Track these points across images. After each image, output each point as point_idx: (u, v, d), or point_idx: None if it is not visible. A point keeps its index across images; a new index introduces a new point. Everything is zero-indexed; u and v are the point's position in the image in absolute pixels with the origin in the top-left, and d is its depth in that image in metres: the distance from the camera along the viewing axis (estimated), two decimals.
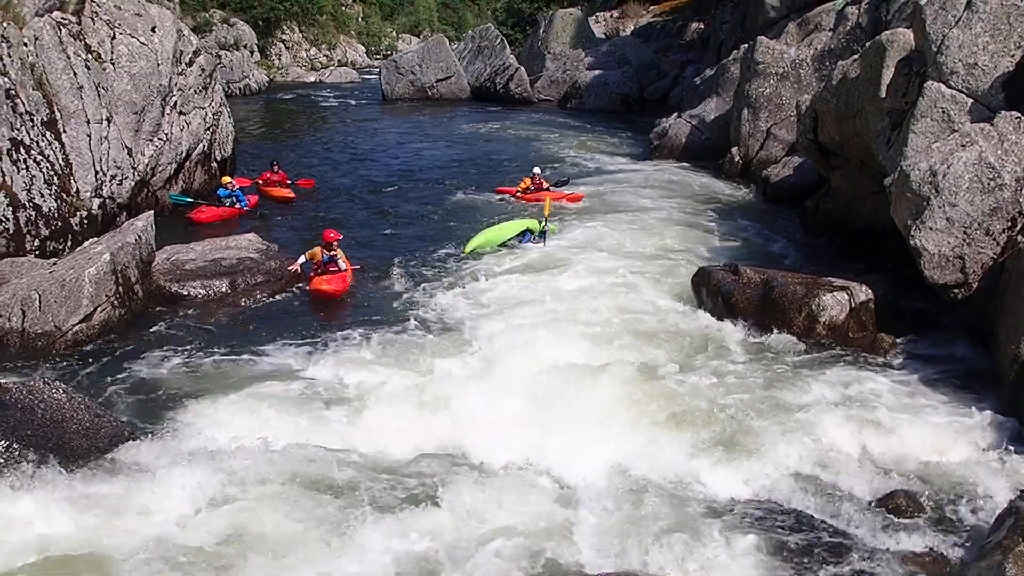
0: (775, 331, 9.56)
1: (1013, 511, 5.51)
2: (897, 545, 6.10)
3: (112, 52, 13.99)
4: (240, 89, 38.96)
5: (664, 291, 11.24)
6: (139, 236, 10.73)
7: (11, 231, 11.18)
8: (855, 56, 12.65)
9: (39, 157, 11.88)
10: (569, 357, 8.88)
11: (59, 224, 12.01)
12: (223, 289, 11.24)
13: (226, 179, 16.12)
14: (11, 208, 11.21)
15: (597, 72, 34.83)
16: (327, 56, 56.03)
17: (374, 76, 43.78)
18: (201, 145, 16.38)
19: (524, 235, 13.90)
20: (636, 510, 6.44)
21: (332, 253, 11.68)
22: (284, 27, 51.57)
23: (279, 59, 49.80)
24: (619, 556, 5.95)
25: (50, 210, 11.87)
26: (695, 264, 12.05)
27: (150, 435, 7.32)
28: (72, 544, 5.72)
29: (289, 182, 17.58)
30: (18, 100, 11.69)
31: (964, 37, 9.37)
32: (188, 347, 9.57)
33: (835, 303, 9.53)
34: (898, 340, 9.43)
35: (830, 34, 19.59)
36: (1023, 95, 9.14)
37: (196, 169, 16.34)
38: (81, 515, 6.01)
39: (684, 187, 18.47)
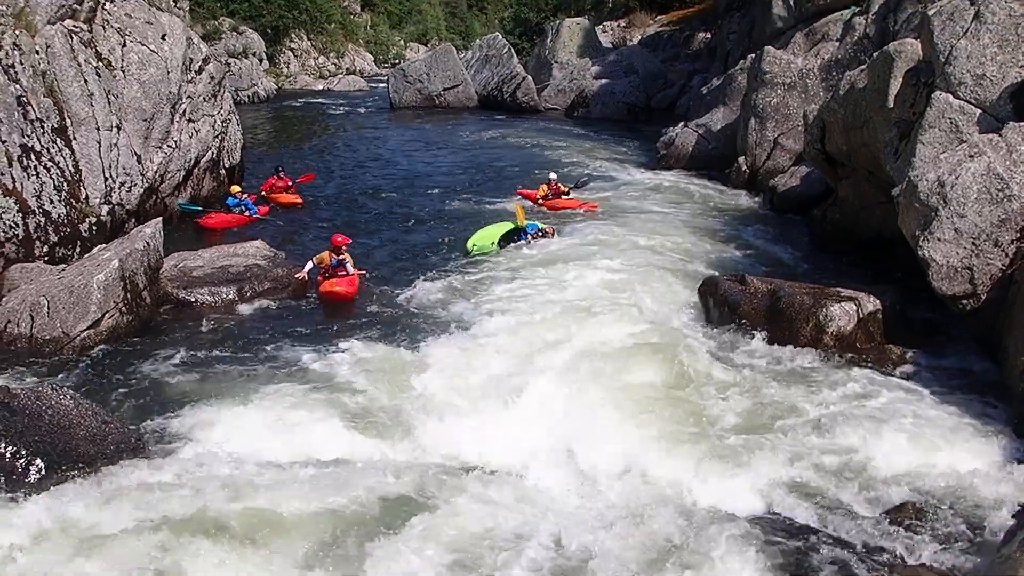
0: (782, 341, 9.53)
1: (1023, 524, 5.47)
2: (906, 558, 6.05)
3: (123, 60, 14.08)
4: (249, 97, 39.15)
5: (671, 300, 11.22)
6: (147, 243, 10.77)
7: (21, 237, 11.23)
8: (863, 66, 12.65)
9: (49, 164, 11.94)
10: (576, 367, 8.89)
11: (68, 230, 12.06)
12: (231, 296, 11.29)
13: (235, 188, 16.20)
14: (21, 214, 11.27)
15: (604, 81, 34.89)
16: (335, 64, 56.28)
17: (382, 84, 43.93)
18: (210, 152, 16.45)
19: (521, 235, 14.18)
20: (640, 523, 6.41)
21: (341, 257, 11.72)
22: (293, 35, 51.83)
23: (288, 67, 50.02)
24: (623, 570, 5.92)
25: (59, 216, 11.93)
26: (702, 273, 12.04)
27: (157, 441, 7.33)
28: (79, 551, 5.71)
29: (291, 183, 17.64)
30: (29, 107, 11.76)
31: (972, 48, 9.36)
32: (196, 353, 9.59)
33: (843, 313, 9.50)
34: (906, 351, 9.37)
35: (837, 44, 19.59)
36: None
37: (205, 176, 16.40)
38: (88, 522, 6.01)
39: (691, 196, 18.48)
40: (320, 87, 48.30)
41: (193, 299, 11.16)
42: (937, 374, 8.96)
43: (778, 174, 18.06)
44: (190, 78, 15.74)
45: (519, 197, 17.66)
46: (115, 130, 13.42)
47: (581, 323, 10.32)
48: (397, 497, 6.64)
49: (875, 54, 12.13)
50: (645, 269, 12.54)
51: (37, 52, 12.25)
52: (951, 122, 9.33)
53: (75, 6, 13.39)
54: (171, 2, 16.50)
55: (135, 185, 13.82)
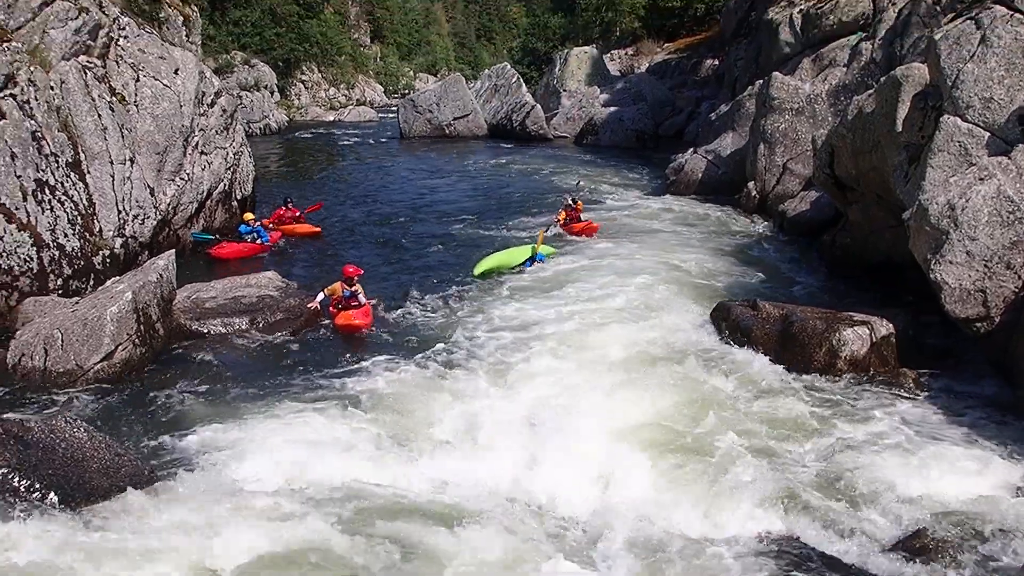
0: (796, 366, 9.50)
1: None
2: None
3: (136, 94, 14.26)
4: (260, 129, 39.58)
5: (683, 325, 11.18)
6: (160, 275, 10.84)
7: (35, 270, 11.33)
8: (870, 91, 12.68)
9: (63, 197, 12.07)
10: (588, 391, 8.90)
11: (82, 263, 12.16)
12: (243, 327, 11.33)
13: (248, 216, 16.33)
14: (35, 248, 11.38)
15: (612, 109, 35.12)
16: (346, 95, 56.91)
17: (392, 115, 44.39)
18: (222, 184, 16.59)
19: (528, 261, 14.51)
20: (649, 549, 6.37)
21: (353, 288, 11.76)
22: (304, 68, 52.48)
23: (299, 99, 50.62)
24: None
25: (73, 249, 12.04)
26: (714, 298, 12.02)
27: (171, 474, 7.33)
28: None
29: (299, 213, 17.77)
30: (44, 142, 11.91)
31: (979, 71, 9.39)
32: (209, 385, 9.60)
33: (856, 338, 9.46)
34: (920, 375, 9.33)
35: (845, 69, 19.69)
36: None
37: (217, 208, 16.54)
38: (101, 557, 6.00)
39: (701, 221, 18.51)
40: (331, 118, 48.82)
41: (206, 330, 11.20)
42: (951, 397, 8.92)
43: (788, 199, 18.09)
44: (202, 111, 15.93)
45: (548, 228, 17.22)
46: (128, 163, 13.58)
47: (593, 348, 10.32)
48: (417, 527, 6.59)
49: (882, 79, 12.16)
50: (656, 294, 12.54)
51: (52, 88, 12.43)
52: (960, 145, 9.33)
53: (89, 42, 13.60)
54: (184, 37, 16.73)
55: (148, 218, 13.95)
